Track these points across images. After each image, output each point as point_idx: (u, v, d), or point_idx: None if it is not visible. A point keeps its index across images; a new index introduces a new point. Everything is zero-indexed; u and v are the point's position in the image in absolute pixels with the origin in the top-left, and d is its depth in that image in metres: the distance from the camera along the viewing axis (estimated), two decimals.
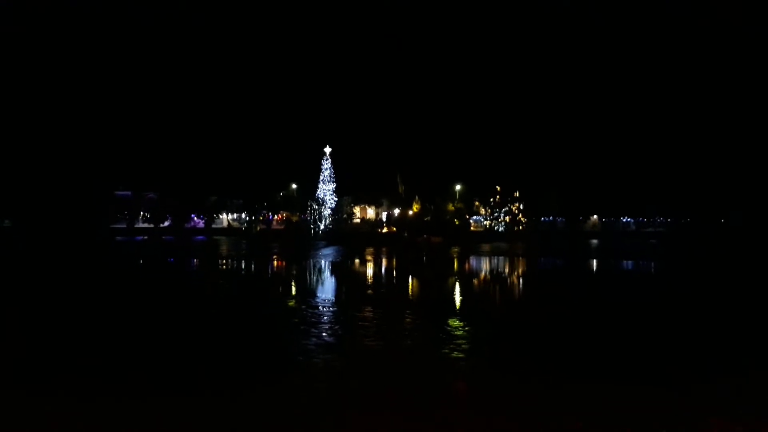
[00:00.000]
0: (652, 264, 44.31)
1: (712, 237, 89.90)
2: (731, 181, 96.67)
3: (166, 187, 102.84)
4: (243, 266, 40.98)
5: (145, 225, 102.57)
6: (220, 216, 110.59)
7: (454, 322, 17.46)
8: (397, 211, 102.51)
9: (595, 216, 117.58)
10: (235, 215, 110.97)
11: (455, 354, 13.49)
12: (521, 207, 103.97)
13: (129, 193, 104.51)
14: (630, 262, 46.19)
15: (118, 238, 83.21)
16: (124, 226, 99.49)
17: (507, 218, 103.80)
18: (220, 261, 44.48)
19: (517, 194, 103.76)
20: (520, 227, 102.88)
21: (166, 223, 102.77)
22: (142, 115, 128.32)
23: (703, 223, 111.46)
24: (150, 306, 20.62)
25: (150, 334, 15.49)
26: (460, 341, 14.91)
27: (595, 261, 48.33)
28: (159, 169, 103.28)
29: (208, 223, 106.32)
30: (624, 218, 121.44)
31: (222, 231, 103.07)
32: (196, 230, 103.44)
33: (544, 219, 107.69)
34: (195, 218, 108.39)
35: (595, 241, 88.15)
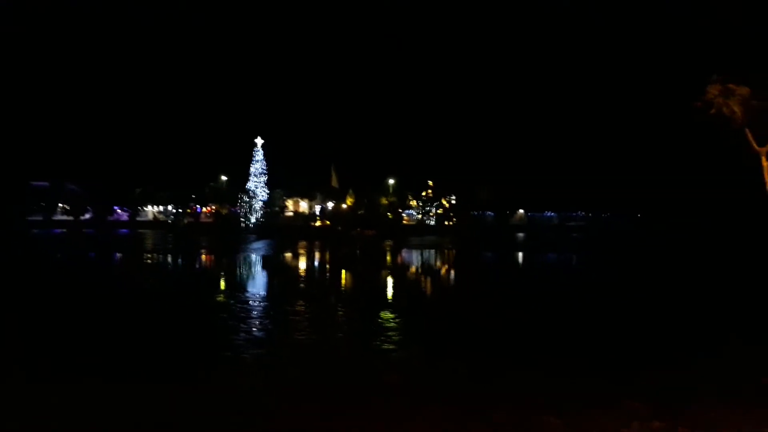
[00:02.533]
0: (574, 255, 46.33)
1: (629, 230, 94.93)
2: (649, 176, 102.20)
3: (87, 177, 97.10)
4: (169, 260, 39.62)
5: (65, 217, 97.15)
6: (146, 208, 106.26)
7: (387, 315, 17.57)
8: (330, 205, 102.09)
9: (522, 210, 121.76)
10: (161, 208, 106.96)
11: (386, 346, 13.58)
12: (452, 201, 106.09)
13: (46, 183, 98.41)
14: (553, 254, 48.13)
15: (35, 230, 78.46)
16: (41, 218, 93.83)
17: (438, 212, 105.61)
18: (145, 255, 42.80)
19: (448, 189, 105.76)
20: (451, 221, 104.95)
21: (87, 216, 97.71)
22: (61, 101, 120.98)
23: (621, 218, 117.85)
24: (66, 302, 19.54)
25: (65, 332, 14.69)
26: (391, 333, 15.02)
27: (521, 253, 49.99)
28: (80, 158, 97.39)
29: (132, 216, 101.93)
30: (548, 212, 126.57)
31: (147, 224, 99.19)
32: (120, 223, 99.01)
33: (474, 213, 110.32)
34: (118, 210, 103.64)
35: (521, 234, 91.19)
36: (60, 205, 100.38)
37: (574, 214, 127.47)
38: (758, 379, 10.04)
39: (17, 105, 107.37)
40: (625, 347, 13.35)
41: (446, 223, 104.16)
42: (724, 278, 28.93)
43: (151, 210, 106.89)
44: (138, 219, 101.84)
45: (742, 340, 13.89)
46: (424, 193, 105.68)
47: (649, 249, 53.94)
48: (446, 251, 51.94)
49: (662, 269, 34.55)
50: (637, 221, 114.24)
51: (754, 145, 4.10)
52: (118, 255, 43.25)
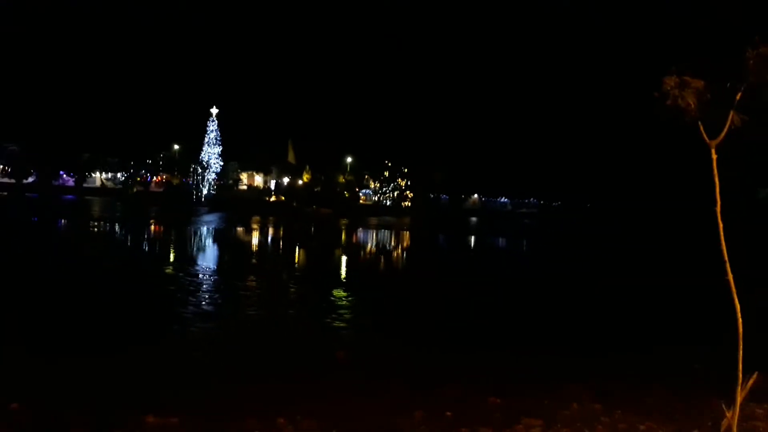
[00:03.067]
0: (523, 241, 47.33)
1: (578, 219, 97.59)
2: (603, 170, 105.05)
3: (31, 139, 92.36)
4: (116, 230, 38.44)
5: (6, 180, 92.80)
6: (93, 175, 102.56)
7: (339, 293, 17.54)
8: (286, 180, 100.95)
9: (476, 195, 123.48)
10: (110, 175, 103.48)
11: (337, 323, 13.56)
12: (409, 183, 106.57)
13: None
14: (502, 239, 49.06)
15: None
16: None
17: (395, 193, 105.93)
18: (90, 223, 41.37)
19: (405, 170, 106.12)
20: (407, 202, 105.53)
21: (31, 179, 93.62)
22: (10, 59, 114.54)
23: (571, 207, 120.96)
24: (4, 271, 18.70)
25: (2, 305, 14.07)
26: (343, 311, 15.00)
27: (473, 237, 50.74)
28: (24, 118, 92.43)
29: (78, 182, 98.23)
30: (502, 198, 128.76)
31: (95, 191, 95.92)
32: (65, 189, 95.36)
33: (430, 195, 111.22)
34: (64, 176, 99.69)
35: (474, 219, 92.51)
36: (1, 167, 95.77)
37: (527, 201, 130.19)
38: (690, 366, 10.49)
39: None
40: (568, 333, 13.72)
41: (402, 204, 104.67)
42: (663, 267, 30.08)
43: (99, 177, 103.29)
44: (85, 185, 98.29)
45: (675, 327, 14.50)
46: (381, 174, 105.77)
47: (590, 238, 55.58)
48: (401, 232, 52.20)
49: (600, 257, 35.67)
50: (587, 210, 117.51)
51: (706, 137, 4.24)
52: (63, 222, 41.67)
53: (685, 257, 34.79)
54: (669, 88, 4.91)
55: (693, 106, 4.85)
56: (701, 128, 4.90)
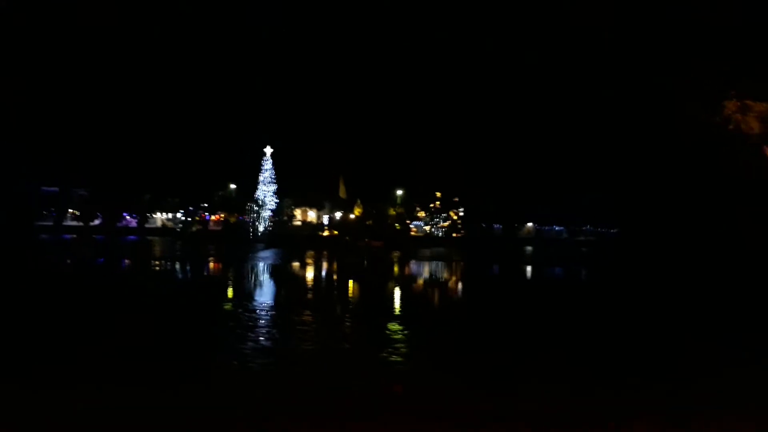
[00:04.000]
0: (582, 270, 46.03)
1: (640, 248, 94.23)
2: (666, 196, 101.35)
3: (97, 183, 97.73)
4: (177, 268, 39.72)
5: (74, 223, 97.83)
6: (154, 215, 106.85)
7: (394, 326, 17.49)
8: (338, 215, 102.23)
9: (530, 224, 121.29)
10: (170, 215, 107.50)
11: (394, 357, 13.49)
12: (460, 213, 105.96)
13: (56, 189, 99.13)
14: (560, 267, 47.85)
15: (44, 236, 79.00)
16: (51, 224, 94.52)
17: (446, 224, 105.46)
18: (152, 262, 42.94)
19: (456, 200, 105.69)
20: (459, 233, 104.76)
21: (97, 222, 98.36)
22: (72, 107, 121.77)
23: (632, 235, 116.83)
24: (73, 308, 19.60)
25: (72, 338, 14.71)
26: (398, 345, 14.93)
27: (529, 267, 49.73)
28: (90, 164, 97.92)
29: (141, 223, 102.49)
30: (557, 226, 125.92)
31: (156, 231, 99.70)
32: (128, 229, 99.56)
33: (482, 225, 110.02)
34: (127, 217, 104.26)
35: (529, 248, 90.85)
36: (70, 210, 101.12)
37: (584, 228, 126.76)
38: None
39: (28, 111, 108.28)
40: (631, 361, 13.19)
41: (454, 235, 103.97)
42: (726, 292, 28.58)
43: (159, 217, 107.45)
44: (147, 226, 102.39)
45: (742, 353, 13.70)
46: (432, 205, 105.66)
47: (653, 265, 53.53)
48: (454, 263, 51.77)
49: (662, 283, 34.23)
50: (644, 238, 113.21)
51: None
52: (127, 261, 43.41)
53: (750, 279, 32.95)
54: (730, 113, 4.80)
55: (756, 130, 4.73)
56: (766, 152, 4.76)
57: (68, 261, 41.60)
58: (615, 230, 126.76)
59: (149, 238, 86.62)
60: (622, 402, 9.95)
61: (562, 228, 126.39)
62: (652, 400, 10.04)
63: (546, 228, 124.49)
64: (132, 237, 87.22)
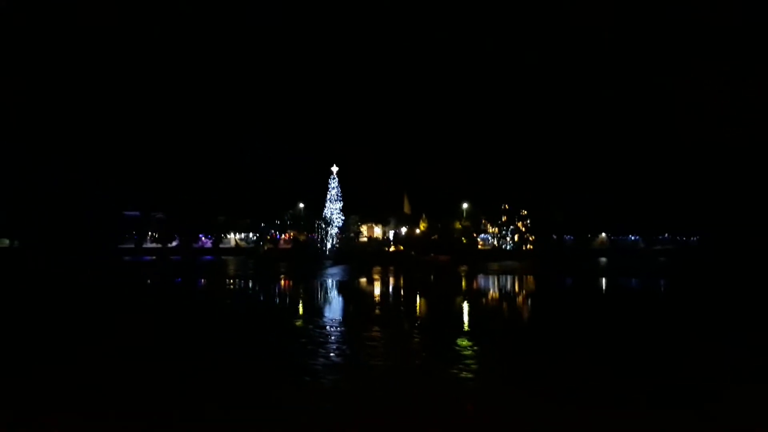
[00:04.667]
0: (662, 283, 43.90)
1: (722, 258, 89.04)
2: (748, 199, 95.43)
3: (174, 207, 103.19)
4: (250, 286, 40.93)
5: (153, 245, 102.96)
6: (228, 236, 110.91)
7: (463, 342, 17.30)
8: (404, 230, 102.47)
9: (604, 234, 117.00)
10: (242, 235, 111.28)
11: (464, 374, 13.35)
12: (528, 225, 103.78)
13: (137, 213, 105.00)
14: (637, 280, 45.83)
15: (126, 258, 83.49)
16: (133, 246, 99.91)
17: (515, 236, 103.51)
18: (227, 281, 44.47)
19: (524, 212, 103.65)
20: (528, 245, 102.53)
21: (174, 243, 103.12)
22: (152, 135, 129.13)
23: (713, 242, 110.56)
24: (157, 326, 20.59)
25: (158, 354, 15.44)
26: (468, 361, 14.76)
27: (604, 280, 47.95)
28: (167, 189, 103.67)
29: (215, 243, 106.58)
30: (632, 236, 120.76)
31: (230, 251, 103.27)
32: (204, 250, 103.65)
33: (553, 236, 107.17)
34: (203, 238, 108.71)
35: (603, 260, 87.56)
36: (149, 233, 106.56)
37: (661, 237, 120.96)
38: None
39: (112, 140, 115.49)
40: (717, 385, 12.47)
41: (523, 247, 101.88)
42: None
43: (233, 237, 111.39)
44: (221, 246, 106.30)
45: None
46: (499, 217, 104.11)
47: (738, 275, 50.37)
48: (523, 276, 50.66)
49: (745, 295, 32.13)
50: (727, 245, 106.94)
51: None
52: (203, 281, 45.16)
53: None
54: None
55: None
56: None
57: (149, 281, 43.74)
58: (695, 238, 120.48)
59: (224, 257, 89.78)
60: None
61: (637, 237, 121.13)
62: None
63: (621, 237, 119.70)
64: (207, 257, 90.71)
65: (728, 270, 56.60)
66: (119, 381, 12.54)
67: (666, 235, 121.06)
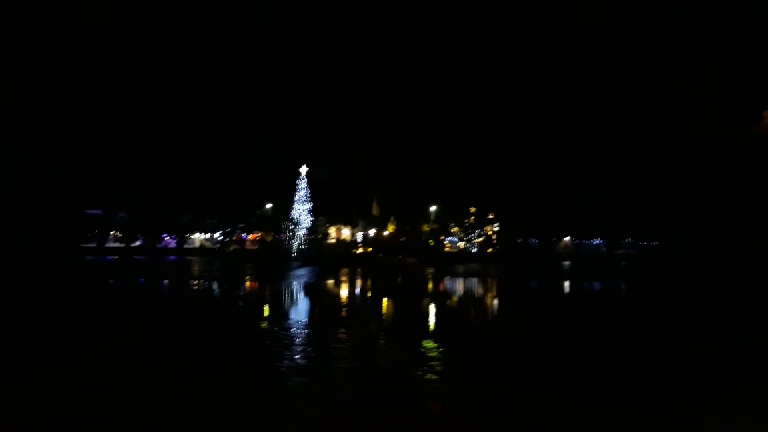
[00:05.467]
0: (621, 285, 45.00)
1: (683, 261, 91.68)
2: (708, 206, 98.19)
3: (138, 206, 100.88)
4: (215, 287, 40.42)
5: (116, 244, 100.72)
6: (193, 236, 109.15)
7: (429, 344, 17.43)
8: (372, 232, 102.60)
9: (568, 238, 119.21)
10: (208, 235, 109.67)
11: (429, 376, 13.45)
12: (495, 228, 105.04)
13: (100, 212, 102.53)
14: (598, 282, 46.89)
15: (88, 257, 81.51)
16: (95, 245, 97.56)
17: (481, 239, 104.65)
18: (191, 281, 43.80)
19: (491, 216, 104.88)
20: (494, 248, 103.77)
21: (138, 243, 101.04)
22: (114, 133, 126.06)
23: (675, 247, 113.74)
24: (114, 327, 20.15)
25: (112, 356, 15.12)
26: (434, 363, 14.88)
27: (567, 282, 48.88)
28: (131, 187, 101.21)
29: (180, 243, 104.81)
30: (595, 240, 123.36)
31: (194, 251, 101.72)
32: (168, 250, 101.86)
33: (518, 240, 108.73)
34: (167, 238, 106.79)
35: (567, 263, 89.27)
36: (112, 232, 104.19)
37: (623, 241, 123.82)
38: None
39: (73, 135, 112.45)
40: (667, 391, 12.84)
41: (489, 250, 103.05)
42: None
43: (198, 237, 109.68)
44: (185, 246, 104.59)
45: None
46: (466, 220, 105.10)
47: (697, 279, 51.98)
48: (489, 279, 51.27)
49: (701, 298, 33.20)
50: (690, 247, 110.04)
51: None
52: (167, 281, 44.38)
53: None
54: None
55: None
56: None
57: (111, 281, 42.79)
58: (656, 242, 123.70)
59: (188, 258, 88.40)
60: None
61: (600, 241, 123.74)
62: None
63: (584, 242, 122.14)
64: (172, 257, 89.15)
65: (686, 274, 58.33)
66: (74, 383, 12.25)
67: (628, 239, 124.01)
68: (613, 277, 54.37)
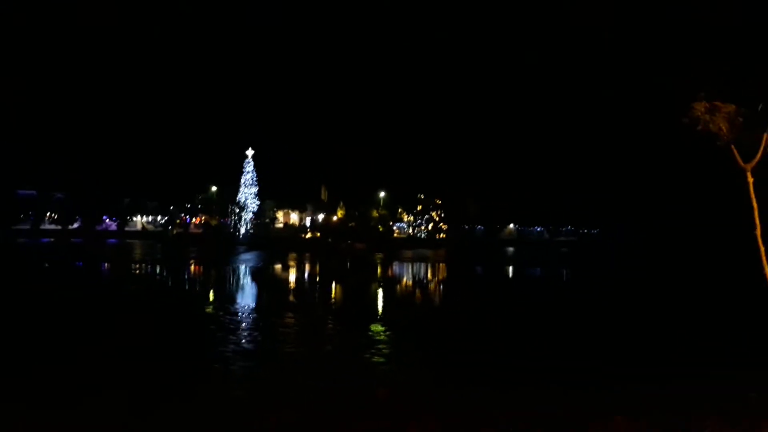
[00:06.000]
0: (560, 270, 46.47)
1: (619, 249, 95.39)
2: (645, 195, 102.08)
3: (75, 186, 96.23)
4: (157, 271, 39.34)
5: (53, 226, 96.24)
6: (134, 218, 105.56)
7: (376, 328, 17.51)
8: (321, 217, 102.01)
9: (512, 225, 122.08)
10: (150, 218, 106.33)
11: (376, 359, 13.52)
12: (442, 215, 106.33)
13: (34, 192, 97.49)
14: (539, 268, 48.30)
15: (21, 239, 77.63)
16: (29, 227, 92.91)
17: (429, 225, 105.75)
18: (133, 265, 42.46)
19: (438, 202, 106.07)
20: (441, 234, 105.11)
21: (76, 225, 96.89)
22: (50, 109, 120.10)
23: (611, 235, 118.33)
24: (53, 311, 19.31)
25: (50, 340, 14.50)
26: (381, 346, 14.96)
27: (510, 268, 50.10)
28: (68, 167, 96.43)
29: (121, 226, 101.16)
30: (537, 228, 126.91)
31: (136, 234, 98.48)
32: (108, 233, 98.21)
33: (465, 227, 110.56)
34: (107, 220, 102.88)
35: (510, 249, 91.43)
36: (48, 214, 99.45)
37: (563, 229, 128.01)
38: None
39: (4, 112, 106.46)
40: (609, 364, 13.36)
41: (437, 236, 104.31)
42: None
43: (139, 220, 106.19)
44: (127, 229, 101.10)
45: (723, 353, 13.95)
46: (415, 207, 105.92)
47: (630, 267, 54.25)
48: (436, 264, 51.95)
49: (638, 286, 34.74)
50: (626, 237, 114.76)
51: (740, 161, 4.16)
52: (106, 264, 42.86)
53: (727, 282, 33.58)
54: (699, 114, 4.93)
55: (725, 130, 4.85)
56: (735, 152, 4.88)
57: (46, 264, 40.96)
58: (595, 230, 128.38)
59: (129, 241, 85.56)
60: (608, 404, 10.08)
61: (542, 229, 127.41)
62: (630, 401, 10.18)
63: (527, 229, 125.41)
64: (112, 240, 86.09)
65: (623, 261, 60.73)
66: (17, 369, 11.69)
67: (569, 227, 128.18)
68: (553, 262, 56.04)
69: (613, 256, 68.86)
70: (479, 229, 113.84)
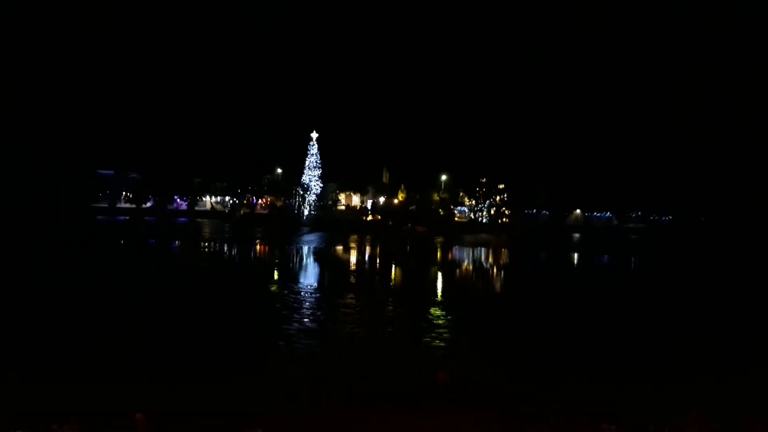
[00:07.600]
0: (632, 259, 44.82)
1: (690, 233, 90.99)
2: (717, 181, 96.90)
3: (149, 167, 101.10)
4: (226, 250, 40.71)
5: (127, 205, 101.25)
6: (204, 198, 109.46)
7: (436, 311, 17.53)
8: (382, 200, 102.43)
9: (578, 210, 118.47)
10: (218, 198, 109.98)
11: (436, 343, 13.56)
12: (506, 199, 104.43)
13: (111, 172, 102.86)
14: (607, 256, 46.72)
15: (99, 217, 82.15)
16: (106, 205, 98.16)
17: (491, 210, 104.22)
18: (202, 244, 44.13)
19: (502, 186, 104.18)
20: (504, 219, 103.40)
21: (149, 204, 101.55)
22: (128, 94, 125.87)
23: (683, 221, 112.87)
24: (129, 288, 20.40)
25: (128, 318, 15.35)
26: (441, 330, 14.98)
27: (576, 255, 48.76)
28: (143, 149, 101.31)
29: (191, 205, 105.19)
30: (606, 213, 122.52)
31: (205, 214, 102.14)
32: (179, 212, 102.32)
33: (528, 212, 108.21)
34: (178, 200, 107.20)
35: (576, 235, 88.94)
36: (124, 193, 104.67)
37: (633, 215, 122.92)
38: None
39: (87, 96, 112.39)
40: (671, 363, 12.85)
41: (499, 221, 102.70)
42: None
43: (209, 200, 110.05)
44: (196, 208, 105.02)
45: None
46: (477, 190, 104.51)
47: (708, 255, 51.64)
48: (498, 250, 51.24)
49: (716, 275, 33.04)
50: (701, 225, 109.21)
51: None
52: (177, 243, 44.73)
53: None
54: None
55: None
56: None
57: (122, 242, 43.19)
58: (668, 217, 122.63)
59: (198, 220, 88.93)
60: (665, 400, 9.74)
61: (611, 215, 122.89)
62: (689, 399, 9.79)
63: (594, 215, 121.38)
64: (182, 219, 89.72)
65: (695, 251, 57.95)
66: (98, 344, 12.47)
67: (639, 213, 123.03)
68: (621, 251, 54.11)
69: (686, 247, 65.73)
70: (544, 214, 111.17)
